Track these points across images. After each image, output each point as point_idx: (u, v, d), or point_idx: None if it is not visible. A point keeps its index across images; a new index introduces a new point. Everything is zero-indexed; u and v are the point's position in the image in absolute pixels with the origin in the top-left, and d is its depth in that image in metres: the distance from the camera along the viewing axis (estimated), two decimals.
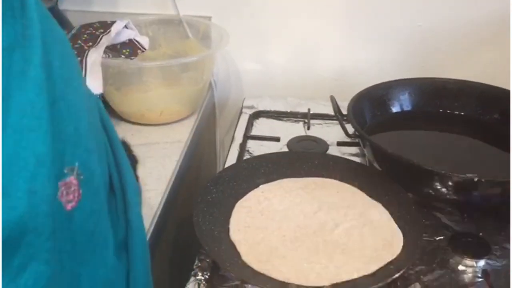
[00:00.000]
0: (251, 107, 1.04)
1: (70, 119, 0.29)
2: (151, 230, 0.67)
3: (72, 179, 0.29)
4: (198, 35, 1.01)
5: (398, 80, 0.92)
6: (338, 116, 0.80)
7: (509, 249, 0.69)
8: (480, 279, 0.64)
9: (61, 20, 0.96)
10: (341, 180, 0.77)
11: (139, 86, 0.88)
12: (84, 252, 0.31)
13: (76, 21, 1.01)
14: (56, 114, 0.28)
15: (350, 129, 0.80)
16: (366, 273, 0.60)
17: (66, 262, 0.29)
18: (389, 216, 0.69)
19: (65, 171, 0.29)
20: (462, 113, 0.91)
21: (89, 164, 0.31)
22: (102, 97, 0.91)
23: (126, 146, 0.52)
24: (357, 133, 0.77)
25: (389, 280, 0.58)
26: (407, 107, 0.92)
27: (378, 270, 0.60)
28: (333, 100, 0.82)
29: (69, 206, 0.29)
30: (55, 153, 0.28)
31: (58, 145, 0.28)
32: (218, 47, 0.91)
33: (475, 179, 0.65)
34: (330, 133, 0.94)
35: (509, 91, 0.88)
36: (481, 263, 0.66)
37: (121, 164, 0.38)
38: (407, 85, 0.92)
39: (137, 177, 0.52)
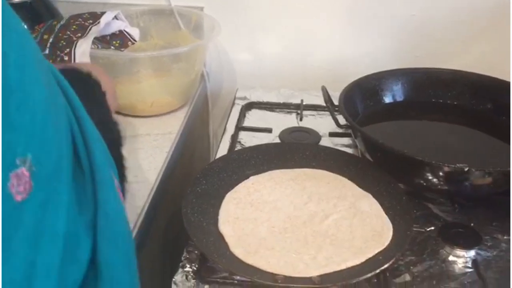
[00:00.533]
0: (244, 98, 1.03)
1: (25, 109, 0.29)
2: (139, 222, 0.67)
3: (23, 170, 0.28)
4: (190, 25, 1.00)
5: (391, 70, 0.91)
6: (329, 107, 0.79)
7: (500, 240, 0.69)
8: (470, 270, 0.64)
9: (51, 10, 0.95)
10: (332, 171, 0.76)
11: (130, 77, 0.87)
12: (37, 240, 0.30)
13: (66, 12, 1.00)
14: (10, 104, 0.28)
15: (342, 120, 0.79)
16: (354, 264, 0.59)
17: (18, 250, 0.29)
18: (379, 207, 0.69)
19: (17, 162, 0.28)
20: (456, 103, 0.91)
21: (44, 155, 0.30)
22: None
23: (113, 125, 0.51)
24: (348, 124, 0.76)
25: (377, 270, 0.57)
26: (400, 97, 0.91)
27: (366, 261, 0.60)
28: (324, 90, 0.81)
29: (19, 197, 0.28)
30: (7, 143, 0.27)
31: (11, 135, 0.28)
32: (210, 37, 0.90)
33: (466, 169, 0.64)
34: (323, 124, 0.93)
35: (502, 81, 0.88)
36: (472, 253, 0.66)
37: (90, 143, 0.38)
38: (400, 75, 0.91)
39: (121, 157, 0.51)
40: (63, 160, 0.33)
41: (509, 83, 0.87)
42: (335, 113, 0.80)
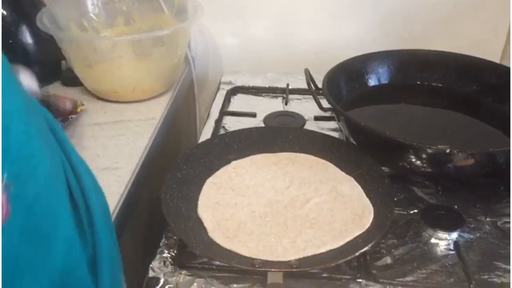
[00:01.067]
0: (229, 83, 1.02)
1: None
2: (118, 207, 0.66)
3: None
4: (173, 9, 0.98)
5: (376, 52, 0.90)
6: (312, 90, 0.78)
7: (483, 221, 0.68)
8: (452, 252, 0.63)
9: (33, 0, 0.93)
10: (316, 154, 0.75)
11: (111, 62, 0.86)
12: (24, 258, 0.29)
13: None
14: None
15: (326, 103, 0.78)
16: (333, 247, 0.59)
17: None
18: (361, 190, 0.68)
19: None
20: (442, 85, 0.90)
21: (23, 172, 0.29)
22: (74, 74, 0.90)
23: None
24: (331, 107, 0.75)
25: (357, 254, 0.57)
26: (385, 80, 0.90)
27: (346, 244, 0.59)
28: (306, 73, 0.80)
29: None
30: None
31: None
32: (191, 20, 0.89)
33: (447, 151, 0.64)
34: (309, 108, 0.92)
35: (489, 62, 0.87)
36: (454, 235, 0.66)
37: (86, 191, 0.37)
38: (385, 57, 0.90)
39: None
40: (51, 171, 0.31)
41: (495, 63, 0.86)
42: (319, 96, 0.79)
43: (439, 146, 0.64)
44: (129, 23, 0.99)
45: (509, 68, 0.83)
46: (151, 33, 0.85)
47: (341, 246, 0.59)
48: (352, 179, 0.70)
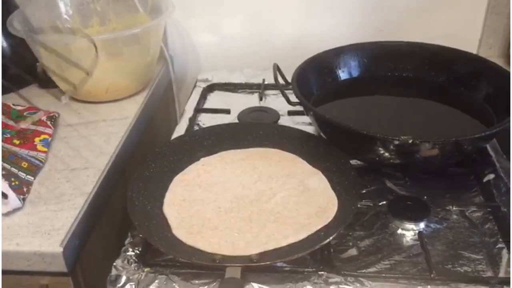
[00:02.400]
0: (206, 80, 1.02)
1: None
2: (85, 208, 0.66)
3: None
4: (147, 8, 0.98)
5: (348, 45, 0.90)
6: (278, 84, 0.78)
7: (451, 211, 0.68)
8: (418, 242, 0.63)
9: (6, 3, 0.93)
10: (286, 149, 0.75)
11: (84, 63, 0.86)
12: None
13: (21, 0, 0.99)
14: None
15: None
16: (295, 240, 0.59)
17: None
18: (327, 184, 0.68)
19: None
20: (416, 76, 0.89)
21: None
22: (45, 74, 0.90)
23: None
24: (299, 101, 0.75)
25: (317, 247, 0.57)
26: (359, 72, 0.90)
27: (308, 237, 0.59)
28: (274, 67, 0.80)
29: None
30: None
31: None
32: (161, 18, 0.89)
33: (410, 141, 0.63)
34: (283, 103, 0.91)
35: (461, 52, 0.87)
36: (421, 226, 0.65)
37: None
38: (358, 50, 0.90)
39: None
40: None
41: (466, 52, 0.86)
42: (287, 91, 0.79)
43: (402, 137, 0.64)
44: (105, 23, 1.00)
45: (480, 57, 0.83)
46: (121, 32, 0.86)
47: (304, 239, 0.59)
48: (320, 172, 0.70)
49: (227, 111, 0.90)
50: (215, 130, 0.79)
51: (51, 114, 0.82)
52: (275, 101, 0.95)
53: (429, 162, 0.70)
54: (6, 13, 0.89)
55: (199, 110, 0.92)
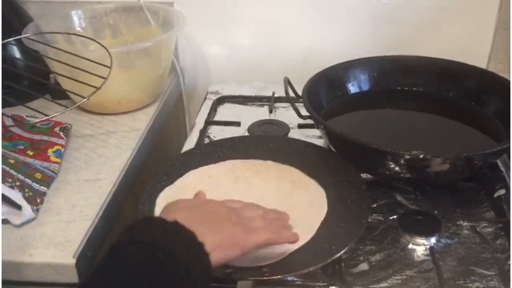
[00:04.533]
0: (216, 93, 1.03)
1: None
2: (97, 219, 0.67)
3: None
4: (158, 21, 1.00)
5: (358, 59, 0.90)
6: (289, 98, 0.78)
7: (462, 226, 0.68)
8: (429, 257, 0.63)
9: (18, 12, 0.95)
10: (296, 162, 0.75)
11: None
12: None
13: (35, 12, 1.01)
14: None
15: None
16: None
17: None
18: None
19: None
20: (424, 90, 0.90)
21: None
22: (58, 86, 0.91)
23: None
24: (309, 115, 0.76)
25: (328, 260, 0.57)
26: (368, 86, 0.90)
27: (318, 249, 0.59)
28: (285, 81, 0.80)
29: None
30: None
31: None
32: (173, 32, 0.90)
33: (421, 156, 0.64)
34: (293, 116, 0.91)
35: (471, 66, 0.87)
36: (432, 241, 0.65)
37: None
38: (367, 64, 0.90)
39: None
40: None
41: (476, 67, 0.86)
42: (298, 104, 0.80)
43: (413, 152, 0.64)
44: (117, 36, 1.01)
45: (489, 72, 0.83)
46: (134, 45, 0.87)
47: (315, 252, 0.59)
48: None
49: (238, 124, 0.91)
50: (226, 143, 0.79)
51: (64, 125, 0.83)
52: (285, 114, 0.95)
53: (439, 177, 0.70)
54: (21, 25, 0.91)
55: (209, 122, 0.92)
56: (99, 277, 0.45)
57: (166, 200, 0.64)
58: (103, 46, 0.81)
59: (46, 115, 0.71)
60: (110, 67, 0.76)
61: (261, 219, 0.58)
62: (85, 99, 0.74)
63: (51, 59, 0.84)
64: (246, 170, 0.73)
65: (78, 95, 0.75)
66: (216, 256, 0.49)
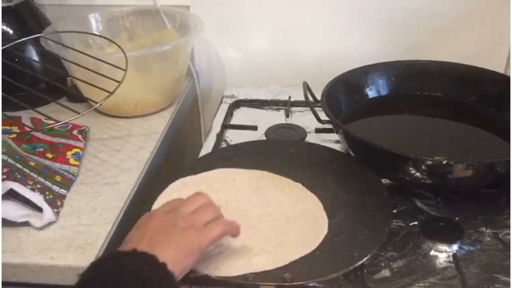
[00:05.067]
0: (232, 96, 1.03)
1: None
2: (117, 222, 0.67)
3: None
4: (175, 24, 1.00)
5: (376, 64, 0.90)
6: (309, 102, 0.78)
7: (484, 233, 0.67)
8: (451, 265, 0.62)
9: (36, 14, 0.95)
10: (315, 167, 0.75)
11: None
12: None
13: (52, 15, 1.01)
14: None
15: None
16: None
17: None
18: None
19: None
20: (443, 95, 0.89)
21: None
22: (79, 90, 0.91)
23: None
24: (329, 120, 0.75)
25: (351, 267, 0.56)
26: (386, 91, 0.90)
27: (341, 257, 0.59)
28: (304, 86, 0.80)
29: None
30: None
31: None
32: (191, 36, 0.90)
33: (444, 162, 0.63)
34: (310, 121, 0.92)
35: (491, 72, 0.86)
36: (454, 248, 0.65)
37: None
38: (386, 69, 0.90)
39: None
40: None
41: (495, 72, 0.86)
42: (319, 108, 0.79)
43: (436, 158, 0.63)
44: (133, 39, 1.01)
45: (508, 77, 0.83)
46: (151, 49, 0.87)
47: (337, 259, 0.58)
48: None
49: (254, 128, 0.91)
50: (246, 147, 0.79)
51: (82, 128, 0.83)
52: (302, 118, 0.95)
53: (461, 183, 0.70)
54: (39, 28, 0.91)
55: (226, 126, 0.92)
56: None
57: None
58: (119, 47, 0.81)
59: (56, 121, 0.71)
60: (125, 70, 0.76)
61: (209, 208, 0.57)
62: (98, 104, 0.74)
63: (69, 61, 0.84)
64: (272, 184, 0.72)
65: (92, 101, 0.76)
66: (177, 270, 0.50)
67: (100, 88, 0.75)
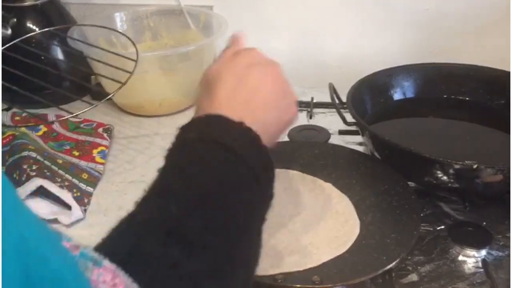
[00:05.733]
0: None
1: None
2: None
3: None
4: (199, 24, 1.00)
5: (401, 66, 0.89)
6: (335, 104, 0.78)
7: None
8: (480, 270, 0.62)
9: (62, 12, 0.96)
10: (341, 169, 0.74)
11: (138, 77, 0.87)
12: None
13: (78, 14, 1.02)
14: None
15: (351, 118, 0.78)
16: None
17: None
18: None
19: None
20: (470, 99, 0.88)
21: None
22: (103, 89, 0.92)
23: None
24: (355, 122, 0.75)
25: (380, 271, 0.56)
26: (411, 93, 0.89)
27: (369, 260, 0.59)
28: (330, 87, 0.80)
29: None
30: None
31: None
32: (216, 36, 0.90)
33: (474, 166, 0.62)
34: (333, 122, 0.92)
35: None
36: (482, 253, 0.64)
37: None
38: (411, 71, 0.89)
39: None
40: None
41: None
42: (343, 110, 0.79)
43: (466, 162, 0.63)
44: (156, 39, 1.02)
45: None
46: (177, 49, 0.87)
47: (365, 263, 0.58)
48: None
49: None
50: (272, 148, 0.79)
51: (107, 126, 0.84)
52: (324, 120, 0.95)
53: (489, 187, 0.69)
54: (65, 28, 0.92)
55: None
56: (172, 171, 0.44)
57: None
58: (132, 42, 0.81)
59: (71, 113, 0.72)
60: (136, 61, 0.77)
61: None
62: (111, 95, 0.75)
63: (93, 59, 0.84)
64: (302, 184, 0.72)
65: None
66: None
67: (121, 83, 0.75)
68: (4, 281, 0.22)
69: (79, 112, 0.72)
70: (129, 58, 0.77)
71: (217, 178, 0.42)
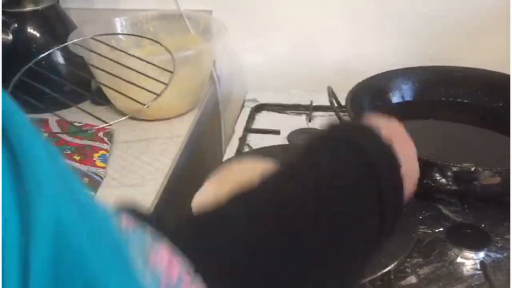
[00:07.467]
0: (254, 100, 1.03)
1: None
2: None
3: None
4: (198, 29, 1.01)
5: (400, 69, 0.90)
6: (334, 107, 0.78)
7: (510, 240, 0.67)
8: (479, 272, 0.62)
9: (63, 18, 0.97)
10: None
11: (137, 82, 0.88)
12: None
13: (78, 19, 1.03)
14: None
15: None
16: None
17: None
18: None
19: None
20: (468, 101, 0.89)
21: None
22: (103, 93, 0.92)
23: None
24: None
25: (378, 274, 0.56)
26: (410, 96, 0.90)
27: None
28: (329, 91, 0.80)
29: None
30: None
31: None
32: (215, 40, 0.91)
33: (472, 169, 0.63)
34: None
35: None
36: (481, 255, 0.65)
37: None
38: (409, 74, 0.90)
39: None
40: None
41: None
42: (342, 113, 0.80)
43: (464, 164, 0.63)
44: (156, 43, 1.02)
45: None
46: (176, 54, 0.87)
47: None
48: None
49: (277, 132, 0.91)
50: (270, 151, 0.79)
51: (107, 131, 0.84)
52: (323, 123, 0.95)
53: (487, 190, 0.69)
54: (65, 32, 0.93)
55: (248, 130, 0.93)
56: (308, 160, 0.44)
57: None
58: (167, 49, 0.83)
59: (103, 121, 0.73)
60: (172, 72, 0.78)
61: None
62: (146, 106, 0.78)
63: (97, 68, 0.85)
64: None
65: (138, 101, 0.77)
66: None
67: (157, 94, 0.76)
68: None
69: (113, 122, 0.77)
70: (165, 70, 0.78)
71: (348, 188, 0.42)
